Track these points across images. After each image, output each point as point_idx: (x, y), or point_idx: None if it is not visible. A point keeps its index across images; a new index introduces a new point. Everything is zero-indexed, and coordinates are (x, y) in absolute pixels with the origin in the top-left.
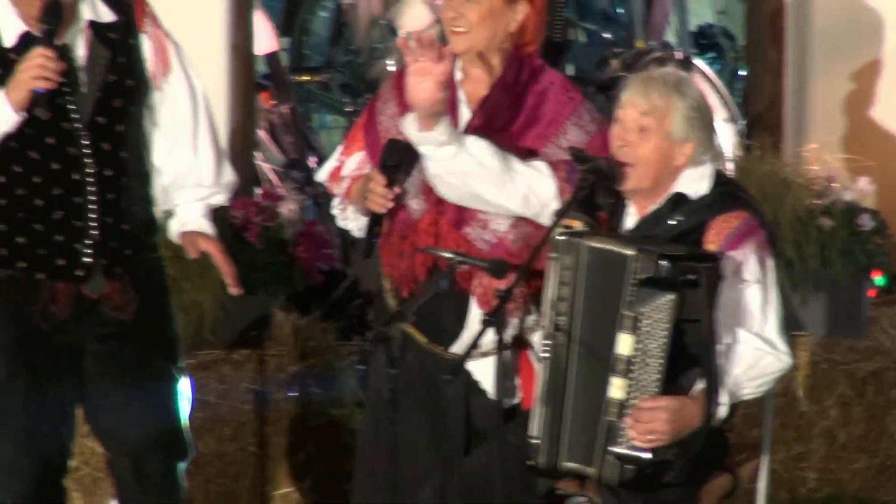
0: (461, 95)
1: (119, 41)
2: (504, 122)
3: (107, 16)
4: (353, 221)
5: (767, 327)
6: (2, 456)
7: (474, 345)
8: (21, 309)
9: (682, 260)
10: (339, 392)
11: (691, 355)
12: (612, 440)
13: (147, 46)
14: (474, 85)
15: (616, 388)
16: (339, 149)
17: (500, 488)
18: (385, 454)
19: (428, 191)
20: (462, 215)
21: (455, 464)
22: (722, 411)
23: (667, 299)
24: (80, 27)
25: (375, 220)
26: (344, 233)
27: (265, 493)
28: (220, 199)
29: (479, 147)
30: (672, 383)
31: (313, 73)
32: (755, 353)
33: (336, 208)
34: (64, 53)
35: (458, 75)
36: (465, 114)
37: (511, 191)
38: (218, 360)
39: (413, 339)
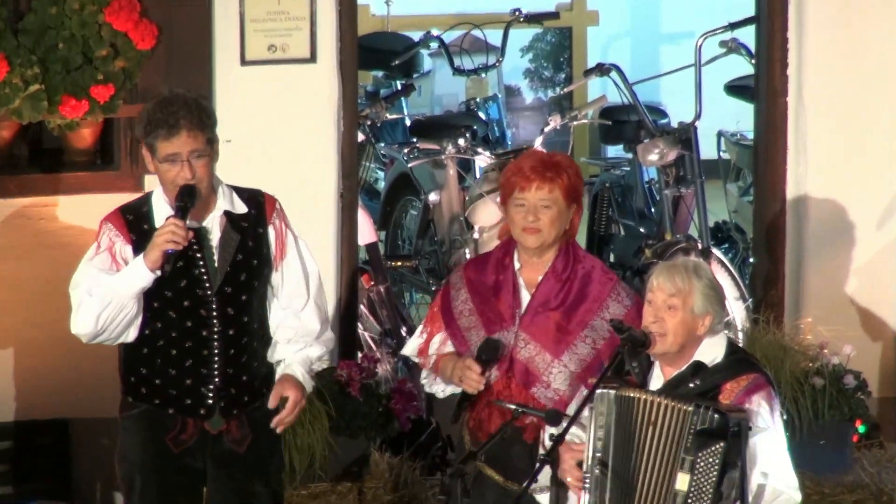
0: (521, 281)
1: (248, 229)
2: (558, 302)
3: (241, 208)
4: (438, 387)
5: (783, 468)
6: None
7: (534, 478)
8: (156, 436)
9: (726, 414)
10: None
11: (729, 491)
12: None
13: (272, 235)
14: (530, 272)
15: None
16: (420, 328)
17: None
18: None
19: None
20: (528, 378)
21: None
22: None
23: (719, 447)
24: (218, 215)
25: (466, 397)
26: None
27: None
28: (318, 350)
29: None
30: None
31: (405, 259)
32: (774, 491)
33: (425, 378)
34: (202, 234)
35: (517, 265)
36: (525, 296)
37: None
38: (326, 491)
39: (490, 476)
